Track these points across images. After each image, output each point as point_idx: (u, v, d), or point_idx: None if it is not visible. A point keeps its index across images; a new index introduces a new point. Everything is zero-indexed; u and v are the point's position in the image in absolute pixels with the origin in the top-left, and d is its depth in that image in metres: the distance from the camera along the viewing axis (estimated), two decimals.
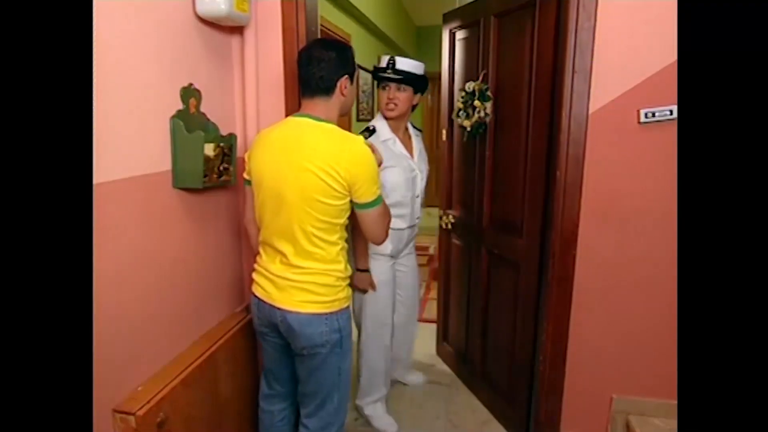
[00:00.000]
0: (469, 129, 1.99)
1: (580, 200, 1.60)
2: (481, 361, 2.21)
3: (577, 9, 1.49)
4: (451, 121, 2.21)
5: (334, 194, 1.31)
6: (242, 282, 1.91)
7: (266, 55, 1.75)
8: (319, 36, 1.82)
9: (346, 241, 1.46)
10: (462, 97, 2.01)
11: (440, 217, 2.41)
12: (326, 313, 1.39)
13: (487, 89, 1.90)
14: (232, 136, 1.63)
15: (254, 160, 1.42)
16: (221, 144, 1.57)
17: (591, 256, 1.63)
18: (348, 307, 1.46)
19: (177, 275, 1.51)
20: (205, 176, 1.50)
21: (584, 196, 1.60)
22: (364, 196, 1.33)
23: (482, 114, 1.91)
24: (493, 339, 2.10)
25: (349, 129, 2.90)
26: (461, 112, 2.03)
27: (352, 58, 1.42)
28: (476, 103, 1.89)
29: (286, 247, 1.37)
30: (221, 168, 1.60)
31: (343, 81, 1.38)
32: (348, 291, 1.46)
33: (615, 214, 1.59)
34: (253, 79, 1.74)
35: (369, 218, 1.37)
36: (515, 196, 1.85)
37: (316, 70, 1.35)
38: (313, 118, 1.36)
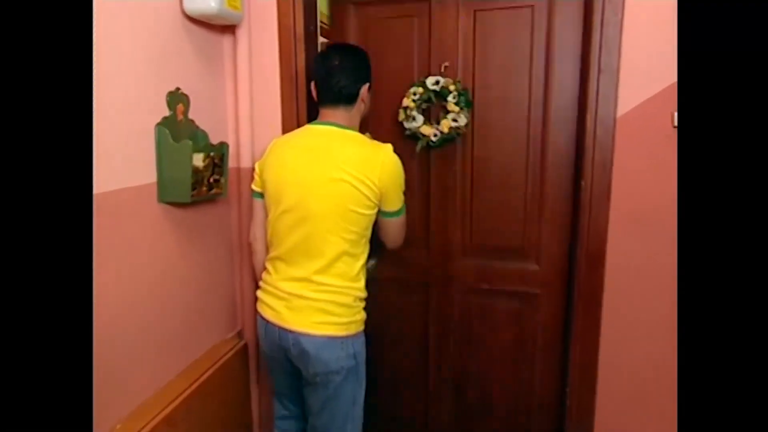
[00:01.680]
0: (434, 139, 1.69)
1: (608, 210, 1.54)
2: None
3: (603, 1, 1.44)
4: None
5: (368, 203, 1.33)
6: (234, 305, 1.84)
7: (261, 56, 1.71)
8: (319, 36, 1.78)
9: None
10: (416, 95, 1.69)
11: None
12: (342, 337, 1.36)
13: (465, 92, 1.67)
14: (223, 145, 1.58)
15: (270, 170, 1.42)
16: (211, 153, 1.52)
17: (620, 274, 1.56)
18: (363, 331, 1.44)
19: (161, 298, 1.45)
20: (193, 189, 1.45)
21: (612, 206, 1.53)
22: (393, 204, 1.39)
23: (459, 122, 1.66)
24: (481, 398, 1.88)
25: None
26: (413, 114, 1.70)
27: (369, 63, 1.47)
28: (451, 107, 1.67)
29: (306, 263, 1.35)
30: (211, 180, 1.55)
31: (364, 89, 1.43)
32: (364, 314, 1.43)
33: (647, 225, 1.52)
34: (247, 82, 1.70)
35: (393, 225, 1.44)
36: (513, 215, 1.74)
37: (340, 78, 1.38)
38: (338, 126, 1.39)
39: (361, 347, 1.42)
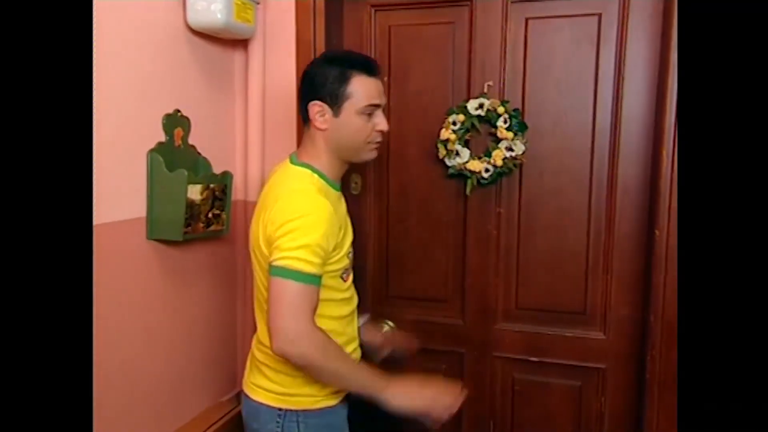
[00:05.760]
0: (485, 176, 1.64)
1: None
2: None
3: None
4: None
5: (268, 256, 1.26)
6: (235, 362, 1.84)
7: (276, 74, 1.74)
8: (344, 50, 1.80)
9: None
10: (456, 125, 1.65)
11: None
12: (279, 409, 1.29)
13: (517, 112, 1.63)
14: (226, 175, 1.61)
15: None
16: (212, 185, 1.55)
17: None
18: (323, 410, 1.32)
19: (146, 351, 1.47)
20: (187, 225, 1.48)
21: None
22: (273, 253, 1.19)
23: (516, 150, 1.62)
24: None
25: None
26: (456, 148, 1.65)
27: (329, 77, 1.28)
28: (503, 132, 1.62)
29: (258, 318, 1.38)
30: (210, 215, 1.58)
31: (312, 108, 1.28)
32: (322, 390, 1.31)
33: None
34: (259, 104, 1.74)
35: (270, 288, 1.20)
36: (572, 269, 1.66)
37: (297, 94, 1.38)
38: (291, 160, 1.35)
39: (315, 431, 1.32)
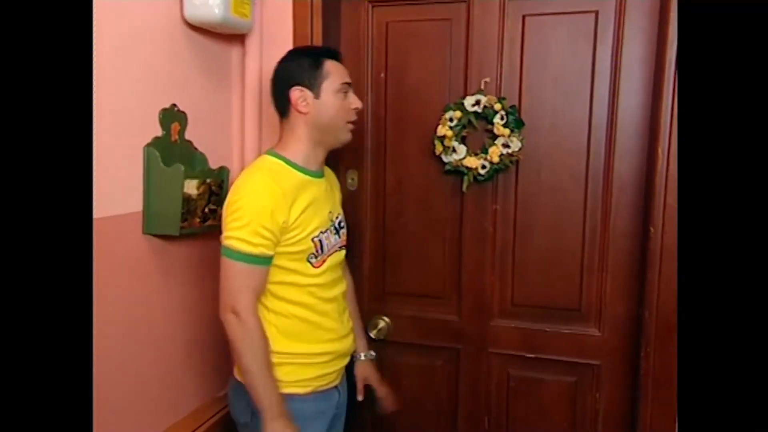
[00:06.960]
0: (482, 172, 1.66)
1: None
2: None
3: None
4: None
5: None
6: (230, 356, 1.85)
7: (273, 69, 1.75)
8: (341, 46, 1.81)
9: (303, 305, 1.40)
10: (453, 121, 1.67)
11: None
12: (241, 383, 1.35)
13: (513, 109, 1.65)
14: (222, 170, 1.62)
15: None
16: (208, 180, 1.56)
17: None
18: (289, 396, 1.35)
19: (142, 346, 1.48)
20: (183, 220, 1.48)
21: None
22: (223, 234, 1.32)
23: (512, 147, 1.64)
24: None
25: None
26: (453, 145, 1.68)
27: (303, 65, 1.39)
28: (499, 129, 1.64)
29: None
30: (206, 210, 1.59)
31: (294, 93, 1.37)
32: (289, 376, 1.37)
33: None
34: (256, 98, 1.74)
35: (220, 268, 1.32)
36: (568, 267, 1.68)
37: (271, 88, 1.43)
38: (268, 151, 1.42)
39: None
